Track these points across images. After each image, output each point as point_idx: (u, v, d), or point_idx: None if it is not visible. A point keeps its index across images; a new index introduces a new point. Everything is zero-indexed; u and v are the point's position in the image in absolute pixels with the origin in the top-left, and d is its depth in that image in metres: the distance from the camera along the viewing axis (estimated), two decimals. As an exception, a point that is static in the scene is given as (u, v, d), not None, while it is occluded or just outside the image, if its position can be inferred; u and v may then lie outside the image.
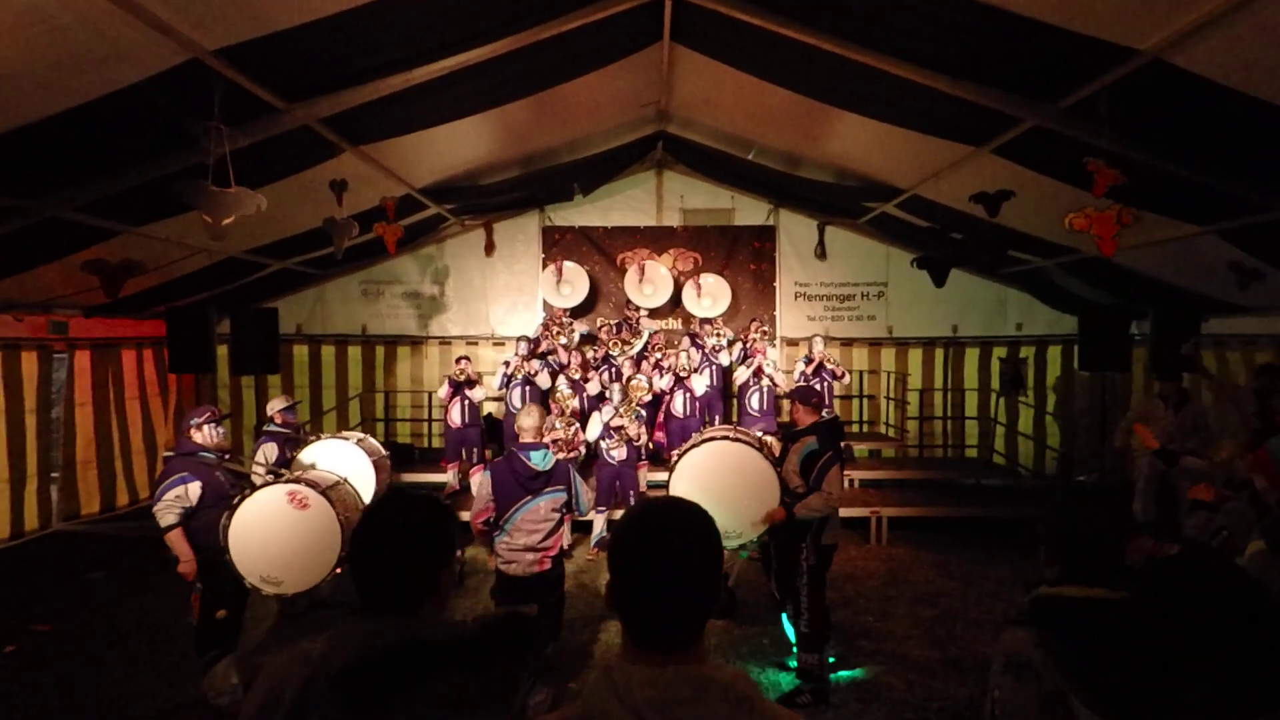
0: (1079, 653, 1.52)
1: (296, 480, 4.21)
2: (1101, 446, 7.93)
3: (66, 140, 3.86)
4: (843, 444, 4.44)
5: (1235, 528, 2.92)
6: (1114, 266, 6.30)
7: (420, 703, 1.25)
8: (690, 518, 1.24)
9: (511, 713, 1.37)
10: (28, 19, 2.88)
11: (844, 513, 4.85)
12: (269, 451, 5.49)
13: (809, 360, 7.77)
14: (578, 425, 6.81)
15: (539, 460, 3.75)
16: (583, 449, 7.06)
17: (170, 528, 3.87)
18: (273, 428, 5.77)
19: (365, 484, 5.18)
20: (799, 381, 7.68)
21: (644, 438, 6.95)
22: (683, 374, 7.60)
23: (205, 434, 4.16)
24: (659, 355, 8.05)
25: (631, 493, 6.70)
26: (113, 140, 4.10)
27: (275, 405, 6.01)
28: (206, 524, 3.92)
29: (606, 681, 1.17)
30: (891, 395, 9.37)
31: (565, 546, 6.62)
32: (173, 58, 3.45)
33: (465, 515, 7.03)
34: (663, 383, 7.71)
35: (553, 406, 6.80)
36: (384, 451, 5.89)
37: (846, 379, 8.20)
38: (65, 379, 7.14)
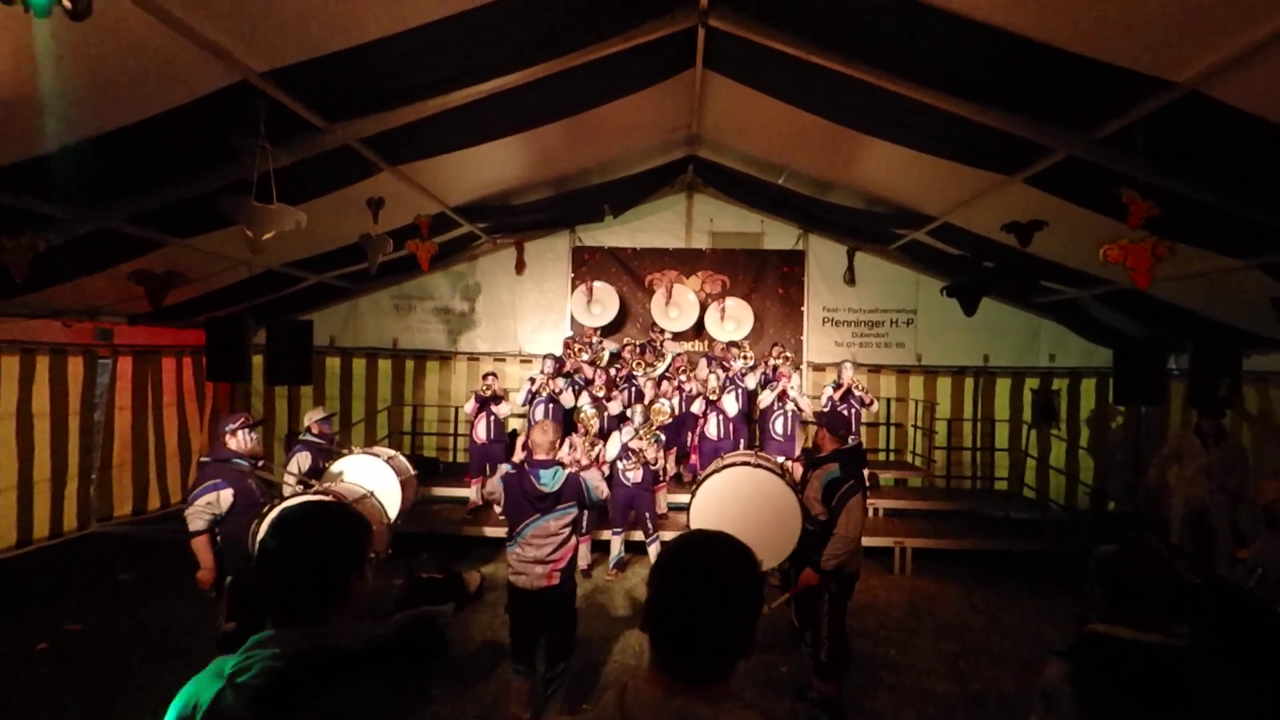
0: (1107, 692, 1.49)
1: (325, 492, 4.29)
2: (1136, 481, 7.72)
3: (121, 155, 4.04)
4: (866, 472, 4.40)
5: (1269, 564, 2.83)
6: (1150, 299, 6.18)
7: (331, 711, 1.23)
8: (738, 557, 1.24)
9: (425, 713, 1.34)
10: (94, 39, 3.03)
11: (867, 542, 4.79)
12: (302, 460, 5.61)
13: (838, 385, 7.71)
14: (602, 445, 6.82)
15: (548, 480, 3.75)
16: (606, 469, 7.06)
17: (198, 533, 3.97)
18: (309, 437, 5.91)
19: (391, 501, 5.25)
20: (826, 407, 7.62)
21: (661, 461, 6.93)
22: (713, 396, 7.59)
23: (240, 439, 4.26)
24: (682, 378, 8.05)
25: (648, 515, 6.67)
26: (163, 156, 4.27)
27: (312, 415, 6.15)
28: (236, 530, 4.00)
29: (618, 701, 1.18)
30: (919, 424, 9.23)
31: (584, 567, 6.62)
32: (224, 79, 3.61)
33: (489, 531, 7.12)
34: (695, 406, 7.70)
35: (578, 425, 6.83)
36: (413, 471, 5.97)
37: (875, 406, 8.12)
38: (108, 383, 7.38)
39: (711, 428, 7.67)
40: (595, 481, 3.94)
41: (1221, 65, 3.15)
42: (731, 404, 7.60)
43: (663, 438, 6.86)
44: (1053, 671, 1.59)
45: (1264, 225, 4.32)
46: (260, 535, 3.88)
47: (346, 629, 1.35)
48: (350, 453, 5.66)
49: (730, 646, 1.20)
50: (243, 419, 4.37)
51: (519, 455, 4.12)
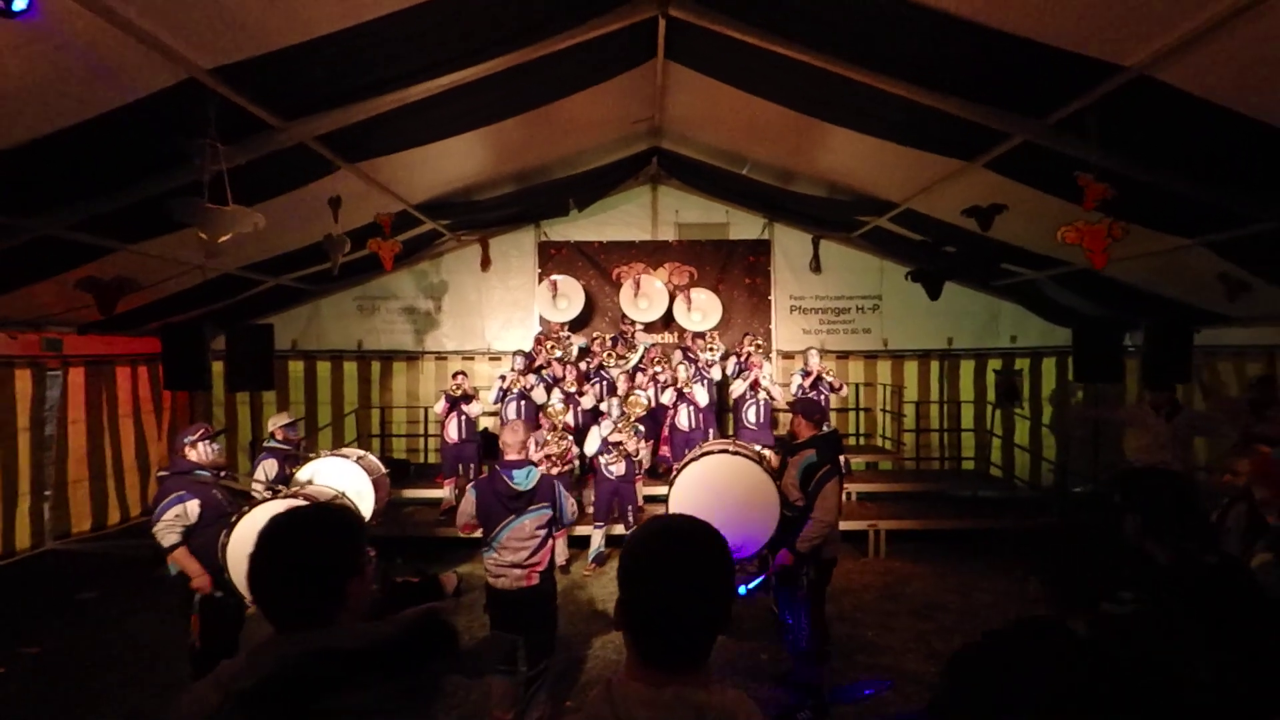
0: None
1: (294, 496, 4.19)
2: (1096, 458, 7.96)
3: (61, 158, 3.87)
4: (841, 458, 4.45)
5: (1229, 540, 2.92)
6: (1106, 279, 6.35)
7: (335, 715, 1.21)
8: (703, 537, 1.24)
9: (433, 713, 1.33)
10: (28, 37, 2.90)
11: (843, 525, 4.84)
12: (269, 468, 5.46)
13: (806, 373, 7.79)
14: (570, 439, 6.79)
15: (521, 479, 3.72)
16: (576, 463, 7.03)
17: (174, 547, 3.84)
18: (273, 444, 5.75)
19: (364, 502, 5.15)
20: (796, 394, 7.68)
21: (643, 453, 6.93)
22: (685, 389, 7.60)
23: (200, 451, 4.14)
24: (656, 369, 8.05)
25: (630, 507, 6.68)
26: (107, 158, 4.10)
27: (277, 421, 5.98)
28: (205, 543, 3.88)
29: (606, 698, 1.16)
30: (887, 408, 9.38)
31: (562, 563, 6.59)
32: (169, 77, 3.48)
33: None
34: (665, 397, 7.71)
35: (543, 421, 6.77)
36: (384, 470, 5.86)
37: (844, 391, 8.22)
38: (59, 396, 7.10)
39: (683, 418, 7.68)
40: (569, 506, 3.93)
41: (1168, 49, 3.24)
42: (702, 394, 7.62)
43: (641, 429, 6.86)
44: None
45: (1210, 204, 4.47)
46: (251, 543, 3.77)
47: (350, 630, 1.32)
48: (318, 456, 5.54)
49: (710, 629, 1.20)
50: (202, 430, 4.24)
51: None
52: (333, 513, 1.48)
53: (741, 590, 4.38)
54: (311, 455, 5.55)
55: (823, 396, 7.63)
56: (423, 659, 1.32)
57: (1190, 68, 3.33)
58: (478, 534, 3.85)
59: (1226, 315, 6.28)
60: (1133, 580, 1.66)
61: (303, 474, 5.23)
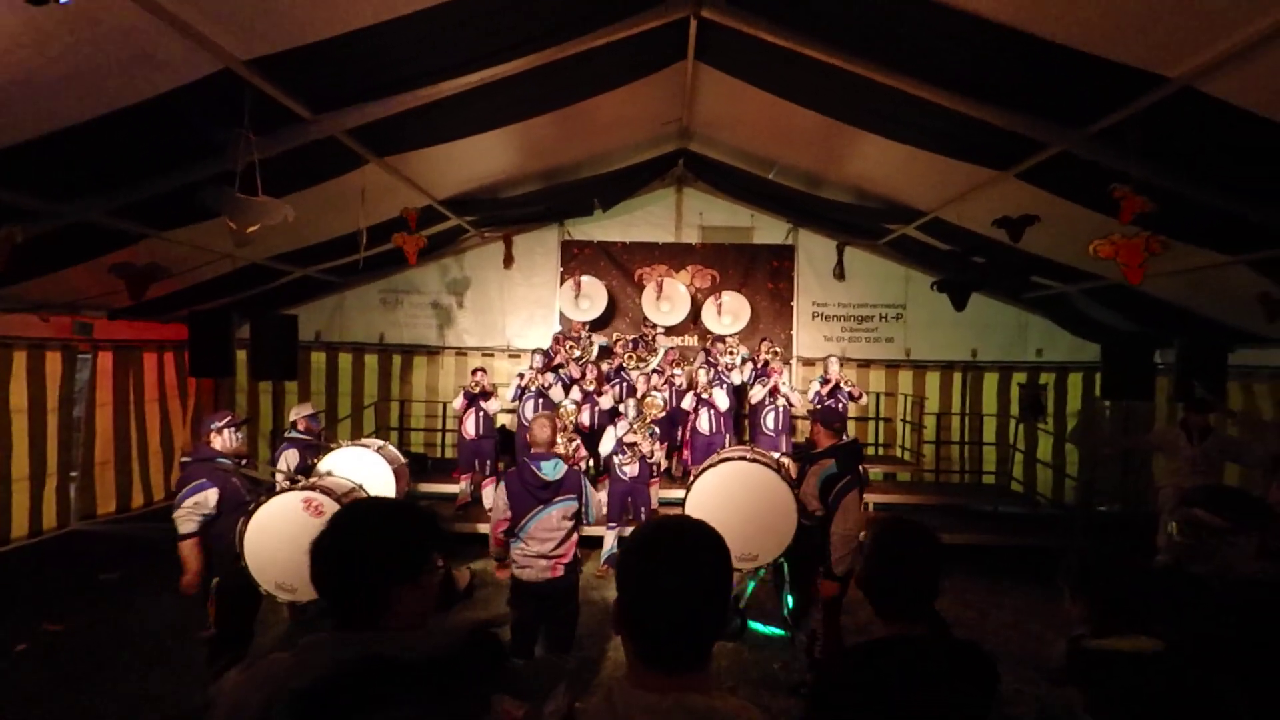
0: (1123, 713, 1.47)
1: (312, 487, 4.22)
2: (1124, 477, 7.79)
3: (99, 145, 3.93)
4: (861, 468, 4.39)
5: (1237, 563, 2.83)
6: (1139, 294, 6.21)
7: None
8: (701, 537, 1.22)
9: None
10: (70, 25, 2.94)
11: (862, 536, 4.78)
12: (290, 458, 5.52)
13: (825, 380, 7.71)
14: (579, 440, 6.78)
15: (549, 470, 3.78)
16: (583, 464, 7.02)
17: (188, 535, 3.88)
18: (295, 434, 5.80)
19: (384, 492, 5.19)
20: (814, 401, 7.61)
21: (657, 455, 6.91)
22: (704, 394, 7.55)
23: (225, 438, 4.18)
24: (675, 372, 8.02)
25: (643, 509, 6.65)
26: (144, 146, 4.16)
27: (299, 411, 6.04)
28: (223, 531, 3.93)
29: (607, 705, 1.14)
30: (908, 418, 9.26)
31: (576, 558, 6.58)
32: (207, 67, 3.51)
33: (481, 527, 7.07)
34: (685, 401, 7.68)
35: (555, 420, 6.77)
36: (403, 459, 5.90)
37: (864, 400, 8.13)
38: (88, 379, 7.24)
39: (703, 423, 7.64)
40: (595, 504, 3.98)
41: (1215, 61, 3.15)
42: (722, 399, 7.57)
43: (657, 431, 6.83)
44: (1065, 700, 1.57)
45: (1255, 221, 4.34)
46: (268, 532, 3.82)
47: (403, 638, 1.27)
48: (339, 446, 5.58)
49: (711, 632, 1.18)
50: (228, 417, 4.28)
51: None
52: (403, 510, 1.43)
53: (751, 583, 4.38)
54: (333, 445, 5.60)
55: (841, 405, 7.56)
56: (475, 679, 1.29)
57: (1237, 80, 3.24)
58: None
59: (1264, 336, 6.11)
60: (1177, 607, 1.61)
61: (324, 464, 5.28)
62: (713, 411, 7.59)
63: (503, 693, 1.41)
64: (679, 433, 8.15)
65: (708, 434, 7.58)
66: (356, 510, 1.42)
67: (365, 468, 5.27)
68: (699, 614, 1.15)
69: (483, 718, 1.31)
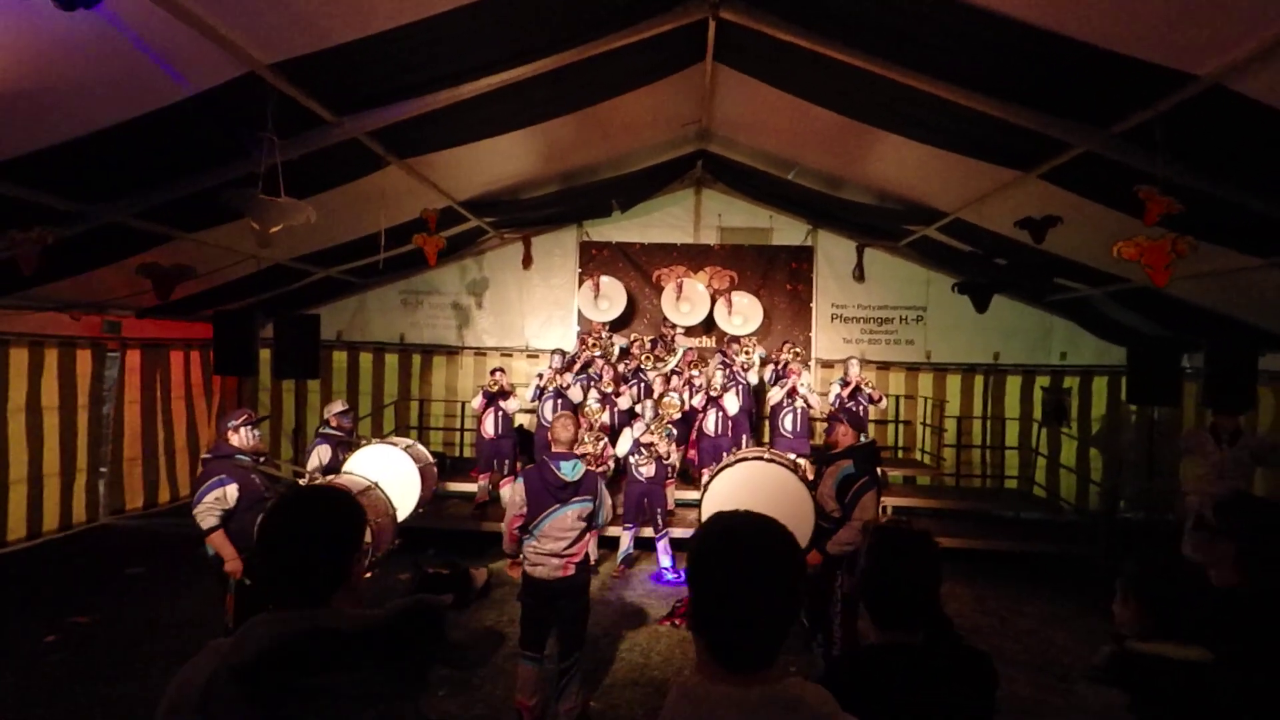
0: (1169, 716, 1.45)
1: (327, 485, 4.28)
2: (1150, 483, 7.64)
3: (127, 148, 4.02)
4: (879, 470, 4.36)
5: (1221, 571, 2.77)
6: (1165, 297, 6.09)
7: (324, 693, 1.22)
8: (774, 534, 1.22)
9: (420, 702, 1.33)
10: (101, 33, 3.01)
11: (877, 540, 4.75)
12: (323, 453, 5.64)
13: (845, 383, 7.65)
14: (606, 440, 6.80)
15: (568, 471, 3.81)
16: (611, 464, 7.03)
17: (212, 529, 3.96)
18: (328, 430, 5.93)
19: (410, 490, 5.24)
20: (834, 404, 7.56)
21: (674, 455, 6.90)
22: (715, 393, 7.54)
23: (242, 436, 4.26)
24: (694, 373, 8.00)
25: (659, 510, 6.65)
26: (171, 149, 4.25)
27: (331, 409, 6.17)
28: (243, 526, 3.99)
29: (686, 702, 1.14)
30: (928, 421, 9.16)
31: (592, 560, 6.59)
32: (231, 70, 3.58)
33: (497, 526, 7.10)
34: (696, 401, 7.66)
35: (580, 421, 6.80)
36: (430, 459, 5.96)
37: (883, 403, 8.06)
38: (117, 377, 7.40)
39: (710, 423, 7.61)
40: (607, 508, 4.04)
41: (1245, 59, 3.08)
42: (732, 401, 7.53)
43: (674, 432, 6.83)
44: (1107, 702, 1.54)
45: (1286, 223, 4.24)
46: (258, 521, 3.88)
47: (343, 613, 1.35)
48: (369, 443, 5.64)
49: (785, 624, 1.17)
50: (245, 415, 4.37)
51: None
52: (338, 496, 1.53)
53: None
54: (364, 442, 5.67)
55: (861, 407, 7.49)
56: (410, 646, 1.33)
57: (1270, 77, 3.17)
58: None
59: (1297, 340, 5.96)
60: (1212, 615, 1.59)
61: (349, 463, 5.35)
62: (721, 413, 7.56)
63: (440, 663, 1.47)
64: (689, 431, 8.14)
65: (714, 435, 7.56)
66: (299, 500, 1.52)
67: (392, 466, 5.31)
68: (773, 611, 1.15)
69: (421, 685, 1.35)
